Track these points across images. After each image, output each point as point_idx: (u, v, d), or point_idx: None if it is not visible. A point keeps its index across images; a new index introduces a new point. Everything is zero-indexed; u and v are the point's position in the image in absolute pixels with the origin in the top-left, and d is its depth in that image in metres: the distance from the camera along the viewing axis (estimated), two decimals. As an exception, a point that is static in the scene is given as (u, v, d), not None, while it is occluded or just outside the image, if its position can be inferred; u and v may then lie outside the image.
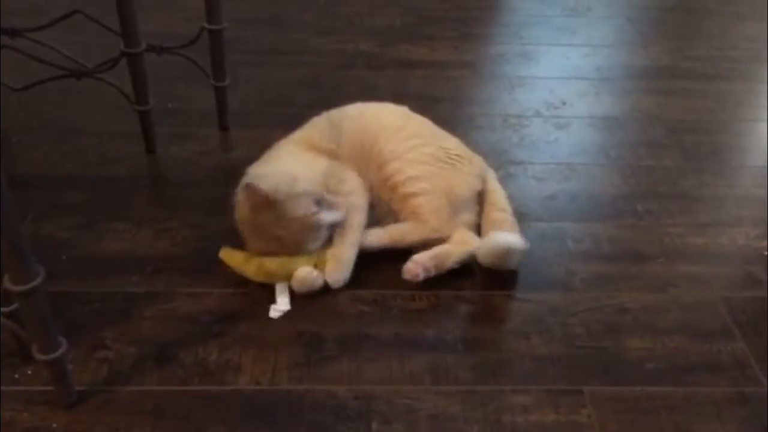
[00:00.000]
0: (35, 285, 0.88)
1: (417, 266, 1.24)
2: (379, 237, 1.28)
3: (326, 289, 1.24)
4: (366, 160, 1.34)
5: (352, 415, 1.05)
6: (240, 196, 1.22)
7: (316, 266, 1.23)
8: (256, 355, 1.13)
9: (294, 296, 1.22)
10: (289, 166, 1.29)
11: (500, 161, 1.56)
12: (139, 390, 1.07)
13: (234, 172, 1.35)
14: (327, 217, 1.23)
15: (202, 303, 1.21)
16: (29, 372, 1.07)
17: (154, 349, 1.13)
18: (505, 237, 1.26)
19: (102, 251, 1.30)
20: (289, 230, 1.20)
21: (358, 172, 1.33)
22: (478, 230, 1.34)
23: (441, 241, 1.28)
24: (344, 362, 1.13)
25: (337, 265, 1.24)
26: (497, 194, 1.39)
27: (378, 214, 1.33)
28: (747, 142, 1.76)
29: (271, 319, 1.19)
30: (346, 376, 1.11)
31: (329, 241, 1.26)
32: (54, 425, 1.01)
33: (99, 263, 1.27)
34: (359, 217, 1.28)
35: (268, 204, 1.18)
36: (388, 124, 1.37)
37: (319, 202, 1.22)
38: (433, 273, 1.25)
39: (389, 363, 1.13)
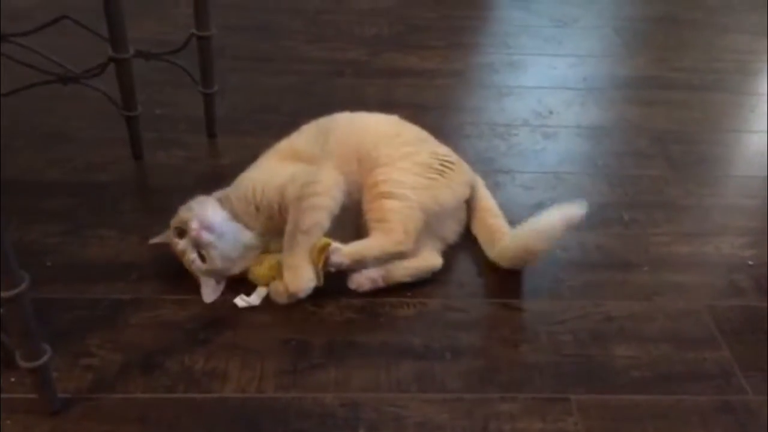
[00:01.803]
0: (20, 291, 0.87)
1: (362, 276, 1.21)
2: (340, 257, 1.20)
3: (313, 296, 1.23)
4: (358, 163, 1.32)
5: (339, 423, 1.05)
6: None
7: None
8: (242, 362, 1.12)
9: (281, 305, 1.22)
10: (254, 176, 1.29)
11: (488, 170, 1.56)
12: (124, 398, 1.06)
13: (221, 179, 1.35)
14: (181, 244, 1.20)
15: (188, 310, 1.20)
16: (12, 379, 1.06)
17: (139, 356, 1.12)
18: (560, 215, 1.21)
19: (87, 258, 1.29)
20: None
21: (348, 177, 1.30)
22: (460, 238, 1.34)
23: (401, 256, 1.25)
24: (331, 370, 1.12)
25: (294, 273, 1.18)
26: (488, 200, 1.40)
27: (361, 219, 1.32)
28: (732, 152, 1.78)
29: (258, 326, 1.18)
30: (333, 383, 1.10)
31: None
32: (37, 433, 1.00)
33: (84, 270, 1.26)
34: (313, 218, 1.19)
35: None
36: (385, 131, 1.36)
37: (182, 231, 1.20)
38: (381, 284, 1.22)
39: (377, 371, 1.13)
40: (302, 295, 1.18)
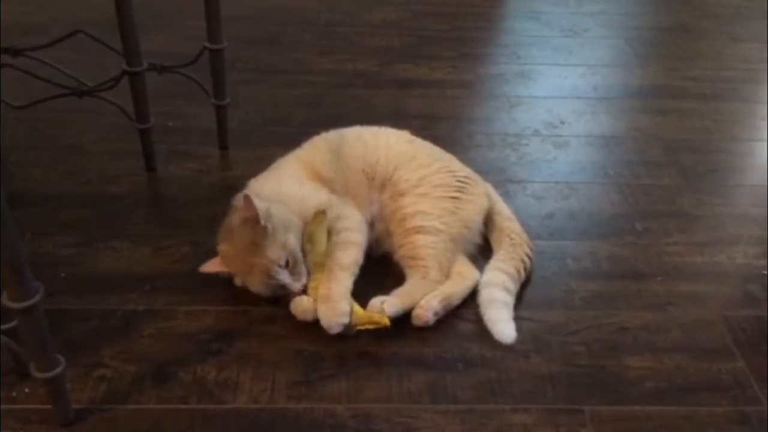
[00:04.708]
0: (34, 302, 0.88)
1: (426, 312, 1.20)
2: (395, 309, 1.18)
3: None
4: (370, 181, 1.34)
5: (351, 434, 1.04)
6: (235, 203, 1.22)
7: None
8: (254, 373, 1.12)
9: (292, 315, 1.22)
10: (292, 189, 1.29)
11: (499, 180, 1.56)
12: (137, 408, 1.06)
13: (233, 190, 1.35)
14: (284, 277, 1.18)
15: (201, 321, 1.21)
16: (27, 390, 1.07)
17: (152, 367, 1.12)
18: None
19: (101, 269, 1.30)
20: (252, 259, 1.18)
21: (358, 198, 1.32)
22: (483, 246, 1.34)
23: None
24: (343, 381, 1.12)
25: (328, 307, 1.16)
26: (500, 204, 1.41)
27: (377, 234, 1.32)
28: (744, 162, 1.77)
29: (270, 337, 1.18)
30: (344, 394, 1.10)
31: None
32: (51, 444, 1.00)
33: (98, 281, 1.27)
34: (352, 255, 1.22)
35: (253, 223, 1.16)
36: (399, 151, 1.37)
37: (289, 263, 1.19)
38: (442, 314, 1.22)
39: (388, 382, 1.13)
40: (334, 331, 1.15)
